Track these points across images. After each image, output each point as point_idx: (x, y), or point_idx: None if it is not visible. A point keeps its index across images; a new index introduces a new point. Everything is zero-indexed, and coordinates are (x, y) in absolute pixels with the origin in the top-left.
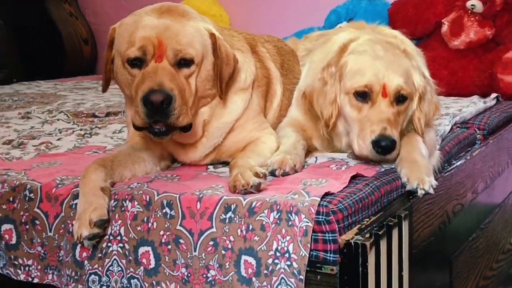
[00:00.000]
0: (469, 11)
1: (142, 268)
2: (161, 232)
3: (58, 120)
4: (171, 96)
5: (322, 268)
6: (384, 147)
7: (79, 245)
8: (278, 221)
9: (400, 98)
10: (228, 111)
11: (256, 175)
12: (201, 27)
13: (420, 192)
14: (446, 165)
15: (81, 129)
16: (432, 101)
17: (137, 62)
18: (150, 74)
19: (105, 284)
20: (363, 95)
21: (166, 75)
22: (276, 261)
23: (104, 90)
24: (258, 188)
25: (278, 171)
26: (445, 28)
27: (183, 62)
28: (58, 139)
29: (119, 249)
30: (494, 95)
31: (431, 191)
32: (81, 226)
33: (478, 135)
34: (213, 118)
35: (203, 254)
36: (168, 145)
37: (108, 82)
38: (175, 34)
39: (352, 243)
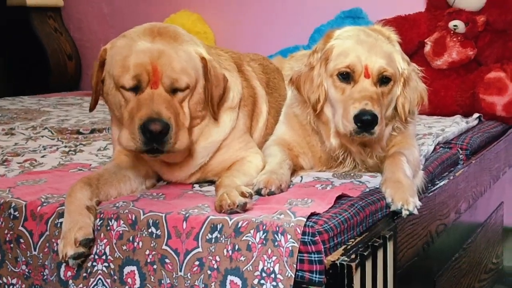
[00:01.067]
0: (452, 32)
1: None
2: (147, 252)
3: (42, 136)
4: (169, 126)
5: None
6: (365, 121)
7: (63, 264)
8: (264, 241)
9: (384, 80)
10: (216, 131)
11: (242, 194)
12: (193, 51)
13: (405, 213)
14: (430, 185)
15: (65, 146)
16: (417, 89)
17: (132, 87)
18: (147, 102)
19: None
20: (346, 76)
21: (163, 103)
22: (262, 281)
23: (92, 109)
24: (244, 208)
25: (264, 190)
26: (428, 48)
27: (178, 89)
28: (43, 156)
29: (104, 268)
30: (476, 115)
31: (415, 211)
32: (66, 245)
33: (461, 155)
34: (201, 137)
35: (189, 274)
36: (153, 164)
37: (97, 101)
38: (169, 61)
39: (338, 264)
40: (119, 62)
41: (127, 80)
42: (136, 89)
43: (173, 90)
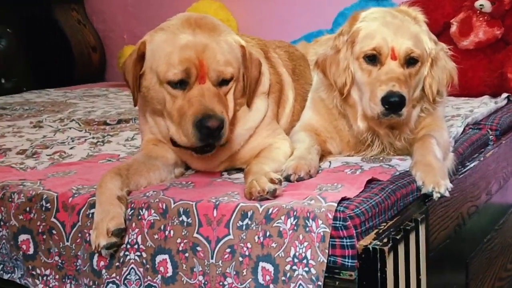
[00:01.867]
0: (478, 11)
1: (159, 276)
2: (178, 240)
3: (70, 128)
4: (224, 120)
5: (341, 274)
6: (393, 102)
7: (96, 254)
8: (295, 227)
9: (411, 61)
10: (251, 117)
11: (271, 181)
12: (232, 41)
13: (436, 195)
14: (460, 167)
15: (93, 137)
16: (446, 68)
17: (179, 83)
18: (198, 98)
19: None
20: (373, 58)
21: (214, 98)
22: (294, 267)
23: (136, 104)
24: (273, 194)
25: (293, 176)
26: (454, 28)
27: (223, 81)
28: (71, 148)
29: (136, 257)
30: (505, 95)
31: (447, 194)
32: (98, 235)
33: (491, 136)
34: (237, 124)
35: (220, 262)
36: (182, 153)
37: (137, 97)
38: (213, 54)
39: (371, 248)
40: (163, 58)
41: (175, 76)
42: (183, 84)
43: (219, 83)
